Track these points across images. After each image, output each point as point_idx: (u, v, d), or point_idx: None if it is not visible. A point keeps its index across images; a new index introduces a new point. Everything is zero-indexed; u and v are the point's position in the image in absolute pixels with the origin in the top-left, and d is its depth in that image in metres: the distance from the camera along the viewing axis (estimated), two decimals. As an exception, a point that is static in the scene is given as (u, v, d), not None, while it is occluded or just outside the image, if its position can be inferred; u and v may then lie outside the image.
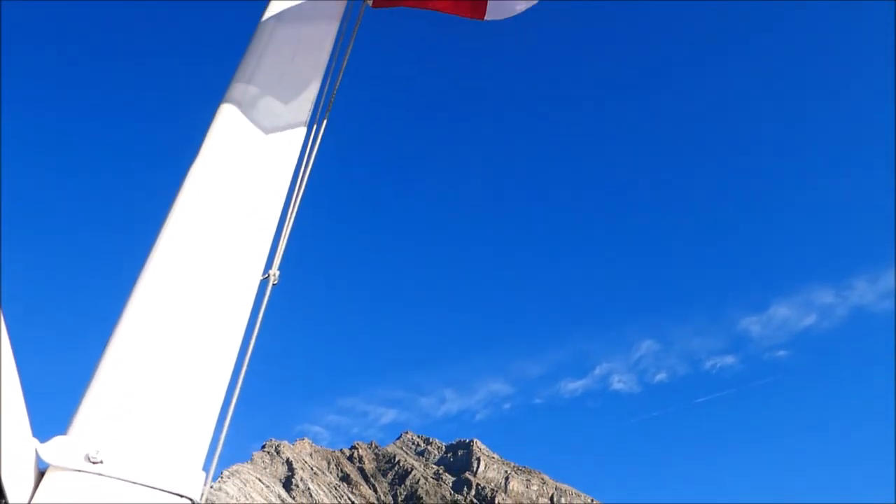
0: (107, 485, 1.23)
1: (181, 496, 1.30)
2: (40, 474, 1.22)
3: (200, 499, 1.34)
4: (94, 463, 1.22)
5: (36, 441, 1.21)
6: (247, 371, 1.54)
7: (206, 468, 1.37)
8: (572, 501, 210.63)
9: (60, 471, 1.21)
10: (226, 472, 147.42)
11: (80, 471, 1.22)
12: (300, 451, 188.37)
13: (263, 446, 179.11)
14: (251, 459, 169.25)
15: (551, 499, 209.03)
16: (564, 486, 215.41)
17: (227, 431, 1.47)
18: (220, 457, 1.41)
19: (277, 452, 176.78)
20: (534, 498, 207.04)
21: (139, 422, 1.31)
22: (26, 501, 1.18)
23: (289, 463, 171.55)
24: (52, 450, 1.22)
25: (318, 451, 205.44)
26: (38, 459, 1.21)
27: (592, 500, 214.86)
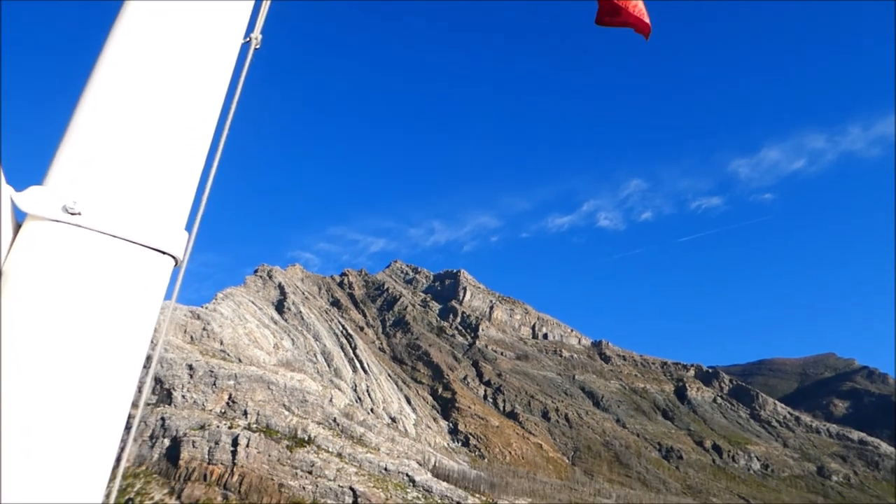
0: (86, 237, 1.21)
1: (163, 252, 1.27)
2: (17, 226, 1.21)
3: (183, 257, 1.32)
4: (72, 214, 1.20)
5: (11, 189, 1.19)
6: (228, 137, 1.52)
7: (188, 229, 1.35)
8: (553, 331, 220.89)
9: (37, 220, 1.20)
10: (220, 295, 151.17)
11: (57, 221, 1.20)
12: (292, 277, 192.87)
13: (256, 271, 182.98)
14: (244, 283, 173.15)
15: (533, 328, 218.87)
16: (546, 317, 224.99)
17: (209, 194, 1.45)
18: (202, 219, 1.41)
19: (270, 277, 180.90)
20: (516, 327, 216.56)
21: (118, 174, 1.28)
22: (5, 252, 1.17)
23: (281, 287, 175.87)
24: (28, 198, 1.20)
25: (309, 276, 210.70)
26: (15, 210, 1.20)
27: (572, 331, 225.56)
